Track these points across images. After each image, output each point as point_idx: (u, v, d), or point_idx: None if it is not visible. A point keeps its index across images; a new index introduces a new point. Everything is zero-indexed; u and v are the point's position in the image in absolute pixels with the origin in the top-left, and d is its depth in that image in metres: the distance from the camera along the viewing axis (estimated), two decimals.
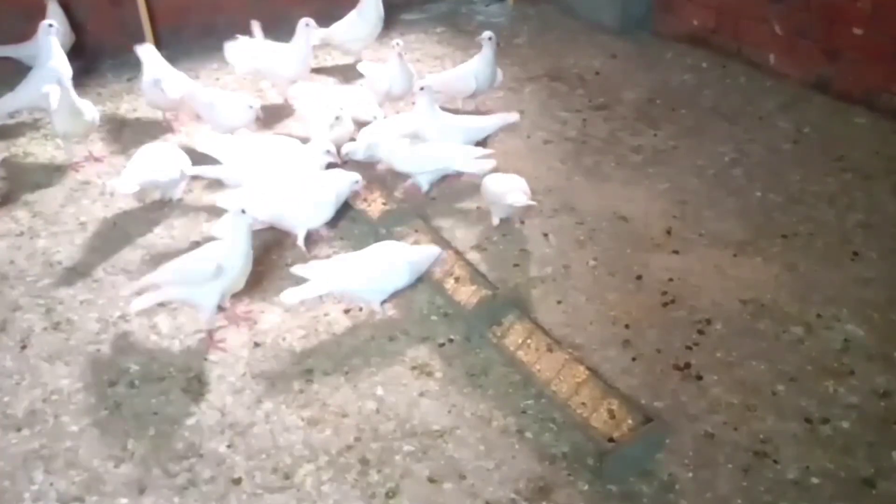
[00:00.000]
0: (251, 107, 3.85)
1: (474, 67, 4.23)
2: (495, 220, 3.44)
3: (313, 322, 2.96)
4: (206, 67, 5.01)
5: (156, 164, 3.45)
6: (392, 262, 2.89)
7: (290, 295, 2.80)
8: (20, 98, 4.08)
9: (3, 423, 2.56)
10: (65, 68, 4.07)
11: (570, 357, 2.63)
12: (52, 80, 3.80)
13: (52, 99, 3.69)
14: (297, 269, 2.88)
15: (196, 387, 2.68)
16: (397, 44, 4.17)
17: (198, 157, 3.56)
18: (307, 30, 4.31)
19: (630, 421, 2.38)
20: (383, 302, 2.97)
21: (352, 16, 4.81)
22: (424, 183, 3.67)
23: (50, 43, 4.10)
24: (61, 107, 3.68)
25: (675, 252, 3.33)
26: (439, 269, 3.04)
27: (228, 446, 2.47)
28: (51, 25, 4.12)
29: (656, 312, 3.00)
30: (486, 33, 4.17)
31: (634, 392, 2.60)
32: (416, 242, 3.15)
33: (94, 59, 4.93)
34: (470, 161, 3.62)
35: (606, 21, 5.52)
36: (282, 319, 2.96)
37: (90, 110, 3.80)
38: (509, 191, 3.28)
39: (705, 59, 5.03)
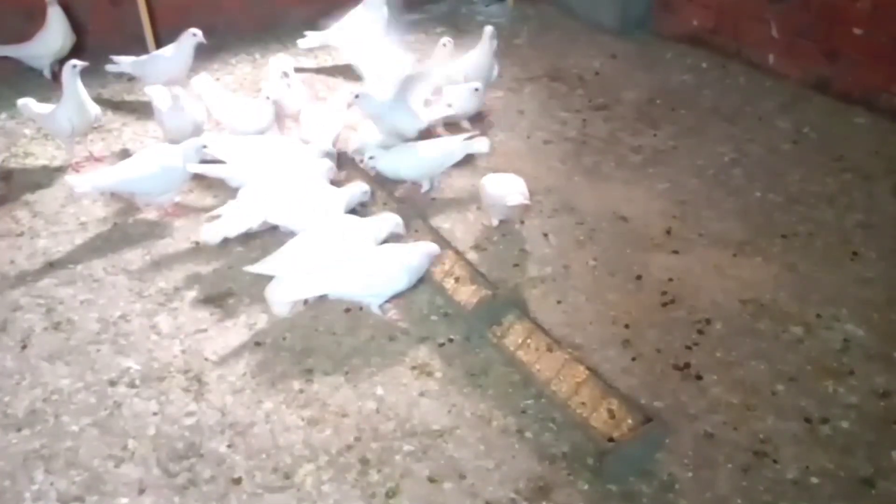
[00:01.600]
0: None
1: (473, 61, 4.24)
2: (494, 222, 3.45)
3: (313, 322, 2.96)
4: (206, 68, 4.99)
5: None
6: (389, 268, 2.88)
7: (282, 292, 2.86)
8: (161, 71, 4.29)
9: (3, 423, 2.56)
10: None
11: (569, 357, 2.63)
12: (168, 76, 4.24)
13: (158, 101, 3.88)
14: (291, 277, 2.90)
15: (196, 386, 2.69)
16: (447, 43, 4.18)
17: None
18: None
19: (630, 421, 2.38)
20: (383, 304, 2.98)
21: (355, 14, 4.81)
22: (426, 182, 3.68)
23: (191, 50, 4.36)
24: (70, 100, 3.72)
25: (675, 252, 3.33)
26: (436, 266, 3.03)
27: (229, 446, 2.47)
28: (195, 35, 4.32)
29: (656, 312, 3.00)
30: (489, 28, 4.21)
31: (634, 392, 2.60)
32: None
33: (94, 59, 4.91)
34: (467, 145, 3.65)
35: (606, 21, 5.52)
36: (282, 319, 2.97)
37: (94, 107, 3.85)
38: (506, 193, 3.28)
39: (705, 60, 5.03)
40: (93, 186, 3.40)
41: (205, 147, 3.43)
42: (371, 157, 3.54)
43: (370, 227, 3.09)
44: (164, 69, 4.30)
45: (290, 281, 2.89)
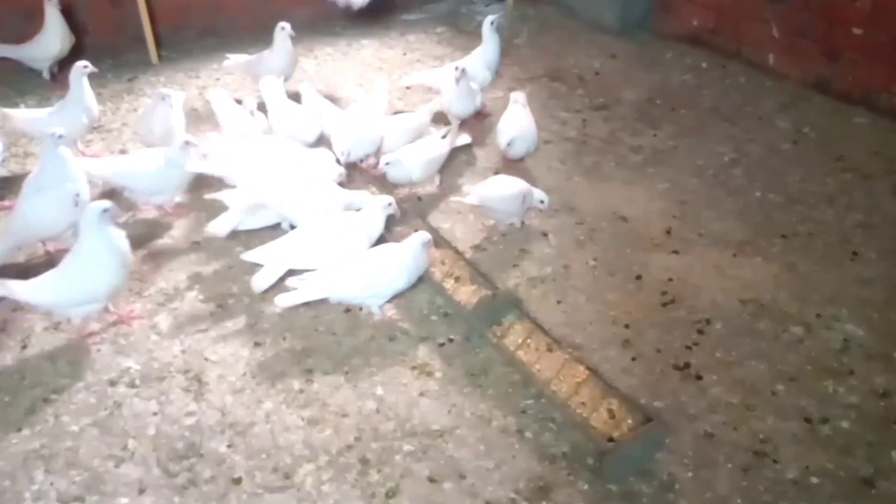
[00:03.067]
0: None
1: (487, 58, 4.23)
2: (490, 220, 3.45)
3: (313, 322, 2.96)
4: (206, 68, 5.02)
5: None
6: (388, 267, 2.88)
7: (283, 299, 2.84)
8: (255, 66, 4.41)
9: (3, 423, 2.56)
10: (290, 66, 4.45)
11: (569, 357, 2.63)
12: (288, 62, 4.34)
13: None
14: (291, 281, 2.89)
15: (196, 386, 2.69)
16: (458, 69, 3.95)
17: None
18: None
19: (630, 420, 2.38)
20: (383, 304, 2.98)
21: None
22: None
23: (287, 42, 4.38)
24: (79, 100, 3.75)
25: (675, 252, 3.33)
26: (436, 266, 3.03)
27: (228, 446, 2.47)
28: (283, 28, 4.35)
29: (656, 312, 3.00)
30: (489, 17, 4.22)
31: (634, 392, 2.60)
32: None
33: (94, 59, 4.91)
34: (448, 140, 3.74)
35: (606, 21, 5.53)
36: (282, 319, 2.97)
37: (96, 107, 3.90)
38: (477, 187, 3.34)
39: (705, 60, 5.03)
40: (86, 172, 3.38)
41: (188, 143, 3.36)
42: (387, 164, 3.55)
43: (366, 218, 3.09)
44: (273, 67, 4.32)
45: (270, 269, 3.02)
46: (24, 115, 3.85)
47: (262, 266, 3.06)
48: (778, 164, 3.95)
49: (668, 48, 5.22)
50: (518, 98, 3.90)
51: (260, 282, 3.02)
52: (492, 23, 4.22)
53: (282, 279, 3.00)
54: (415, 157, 3.57)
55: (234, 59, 4.53)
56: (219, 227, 3.30)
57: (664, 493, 2.31)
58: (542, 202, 3.39)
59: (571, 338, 2.86)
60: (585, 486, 2.33)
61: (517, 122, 3.80)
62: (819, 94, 4.51)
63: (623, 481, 2.34)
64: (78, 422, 2.56)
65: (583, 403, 2.46)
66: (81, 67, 3.73)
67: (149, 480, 2.36)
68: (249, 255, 3.07)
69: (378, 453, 2.44)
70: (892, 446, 2.45)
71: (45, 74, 4.65)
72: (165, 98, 3.73)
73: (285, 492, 2.33)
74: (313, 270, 2.93)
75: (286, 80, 4.26)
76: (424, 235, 2.94)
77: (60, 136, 3.09)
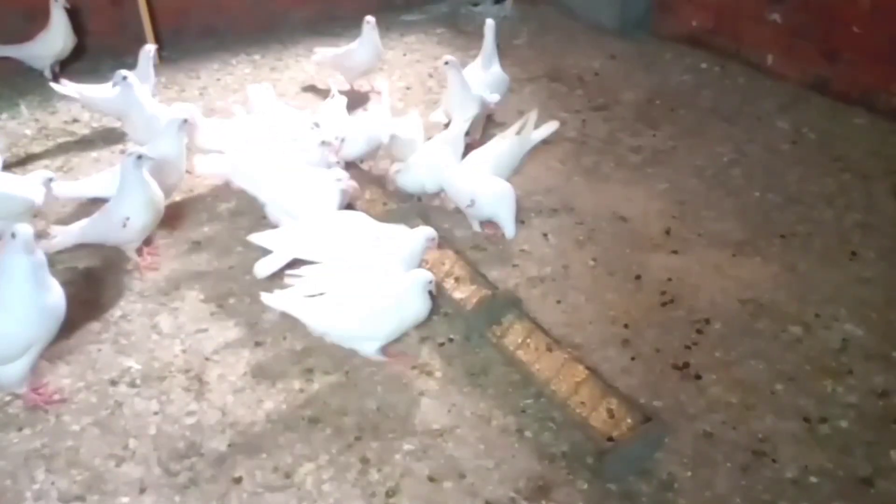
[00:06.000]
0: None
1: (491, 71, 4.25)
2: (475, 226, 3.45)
3: None
4: (206, 68, 5.03)
5: None
6: (380, 303, 2.63)
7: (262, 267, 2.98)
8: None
9: (4, 422, 2.57)
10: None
11: (569, 356, 2.64)
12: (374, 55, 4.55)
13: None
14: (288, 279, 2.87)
15: (197, 386, 2.69)
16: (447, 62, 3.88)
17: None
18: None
19: (629, 420, 2.39)
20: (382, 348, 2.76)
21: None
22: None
23: (373, 35, 4.50)
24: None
25: (674, 252, 3.34)
26: (436, 266, 3.02)
27: (229, 445, 2.48)
28: (368, 22, 4.49)
29: (655, 312, 3.01)
30: (488, 21, 4.23)
31: (633, 391, 2.61)
32: None
33: (94, 59, 4.95)
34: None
35: (605, 22, 5.54)
36: (282, 319, 2.97)
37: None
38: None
39: (704, 60, 5.04)
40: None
41: (186, 122, 3.38)
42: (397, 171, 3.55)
43: (403, 239, 2.88)
44: (360, 61, 4.56)
45: (276, 256, 3.01)
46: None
47: (266, 254, 3.04)
48: (777, 164, 3.95)
49: (668, 48, 5.23)
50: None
51: (263, 268, 3.02)
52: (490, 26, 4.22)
53: (285, 267, 2.99)
54: (424, 164, 3.53)
55: (322, 53, 4.68)
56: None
57: (663, 492, 2.32)
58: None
59: (571, 337, 2.87)
60: (585, 486, 2.34)
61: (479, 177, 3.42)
62: (818, 95, 4.52)
63: (622, 480, 2.34)
64: (79, 421, 2.57)
65: (582, 403, 2.47)
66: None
67: (150, 480, 2.37)
68: (257, 238, 3.05)
69: (378, 452, 2.44)
70: (891, 446, 2.46)
71: (47, 73, 4.66)
72: (126, 77, 3.78)
73: (286, 491, 2.33)
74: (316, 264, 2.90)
75: (370, 73, 4.64)
76: (428, 275, 2.64)
77: (140, 157, 2.97)
